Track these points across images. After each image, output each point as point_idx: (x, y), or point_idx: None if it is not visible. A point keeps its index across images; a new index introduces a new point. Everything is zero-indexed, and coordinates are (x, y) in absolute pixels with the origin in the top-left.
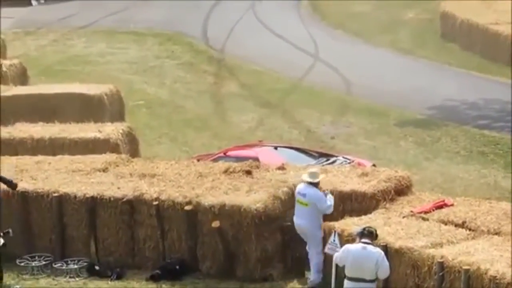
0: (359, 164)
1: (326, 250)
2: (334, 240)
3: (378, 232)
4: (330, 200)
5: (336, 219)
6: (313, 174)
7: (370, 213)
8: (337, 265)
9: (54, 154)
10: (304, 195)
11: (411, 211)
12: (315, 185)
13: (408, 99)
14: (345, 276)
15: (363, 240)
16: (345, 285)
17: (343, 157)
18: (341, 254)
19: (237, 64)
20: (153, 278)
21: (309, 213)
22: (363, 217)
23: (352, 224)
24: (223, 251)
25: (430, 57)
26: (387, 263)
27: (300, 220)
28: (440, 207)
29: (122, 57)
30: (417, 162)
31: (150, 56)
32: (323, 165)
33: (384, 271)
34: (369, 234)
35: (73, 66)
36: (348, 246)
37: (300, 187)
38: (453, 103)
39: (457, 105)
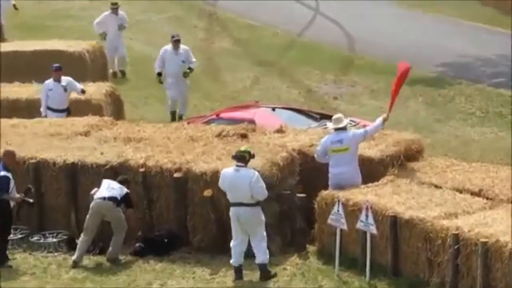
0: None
1: (330, 221)
2: (338, 210)
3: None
4: None
5: None
6: (338, 120)
7: (378, 180)
8: (341, 238)
9: (31, 117)
10: (340, 141)
11: None
12: (344, 128)
13: (417, 56)
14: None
15: (237, 164)
16: (230, 212)
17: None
18: (220, 179)
19: (230, 18)
20: (136, 253)
21: (351, 158)
22: (370, 184)
23: (358, 193)
24: (215, 223)
25: (440, 10)
26: (261, 183)
27: (344, 167)
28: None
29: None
30: (428, 125)
31: (136, 10)
32: (325, 128)
33: (258, 192)
34: (241, 158)
35: (51, 21)
36: (223, 171)
37: (331, 138)
38: (466, 60)
39: (471, 61)
